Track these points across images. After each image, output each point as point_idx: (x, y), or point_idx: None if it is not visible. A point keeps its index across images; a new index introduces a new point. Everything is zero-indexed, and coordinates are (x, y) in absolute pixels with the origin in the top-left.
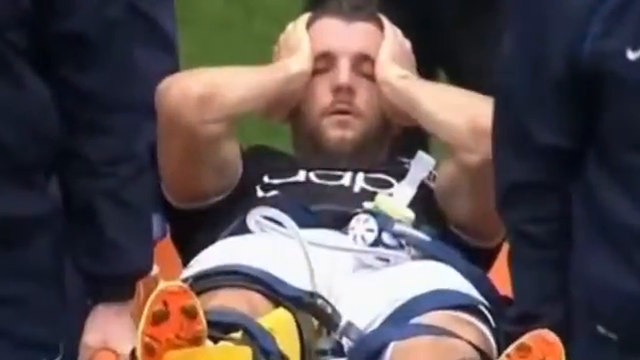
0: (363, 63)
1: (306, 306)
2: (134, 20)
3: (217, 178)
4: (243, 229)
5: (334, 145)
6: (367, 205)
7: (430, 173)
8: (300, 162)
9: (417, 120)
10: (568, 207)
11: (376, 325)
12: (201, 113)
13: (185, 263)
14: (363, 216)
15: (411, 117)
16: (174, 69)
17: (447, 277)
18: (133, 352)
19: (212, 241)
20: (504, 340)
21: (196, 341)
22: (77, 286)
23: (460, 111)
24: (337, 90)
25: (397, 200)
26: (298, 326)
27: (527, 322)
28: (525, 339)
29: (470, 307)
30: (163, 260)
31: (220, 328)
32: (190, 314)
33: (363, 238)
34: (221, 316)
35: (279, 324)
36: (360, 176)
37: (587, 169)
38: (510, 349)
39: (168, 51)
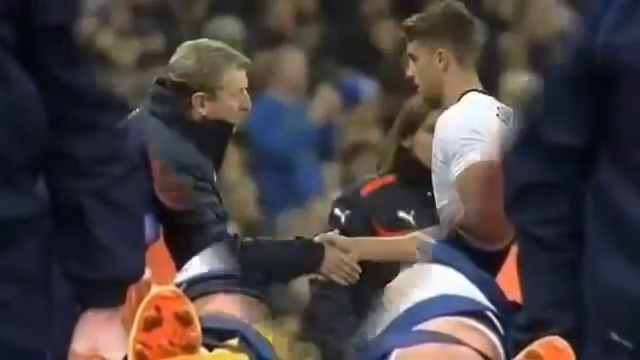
0: None
1: None
2: None
3: None
4: None
5: None
6: None
7: None
8: None
9: None
10: (579, 209)
11: (379, 331)
12: None
13: (179, 267)
14: None
15: None
16: None
17: (453, 281)
18: None
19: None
20: (513, 347)
21: (190, 348)
22: (66, 291)
23: None
24: None
25: None
26: None
27: (537, 329)
28: (535, 346)
29: (477, 313)
30: (156, 263)
31: (216, 335)
32: (184, 320)
33: None
34: (217, 322)
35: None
36: None
37: (600, 169)
38: (519, 357)
39: None
